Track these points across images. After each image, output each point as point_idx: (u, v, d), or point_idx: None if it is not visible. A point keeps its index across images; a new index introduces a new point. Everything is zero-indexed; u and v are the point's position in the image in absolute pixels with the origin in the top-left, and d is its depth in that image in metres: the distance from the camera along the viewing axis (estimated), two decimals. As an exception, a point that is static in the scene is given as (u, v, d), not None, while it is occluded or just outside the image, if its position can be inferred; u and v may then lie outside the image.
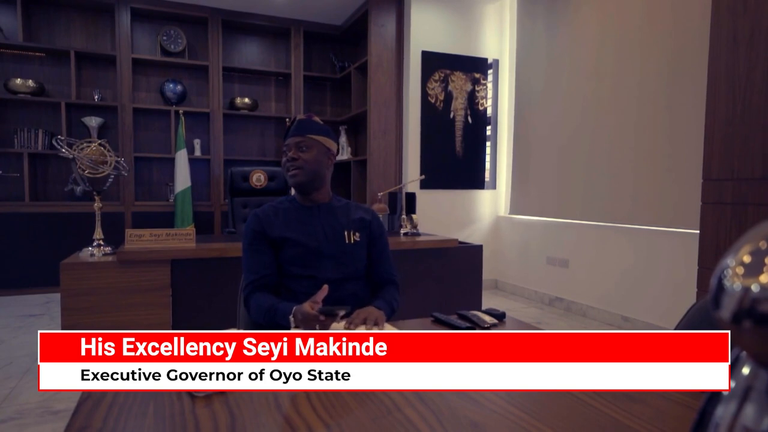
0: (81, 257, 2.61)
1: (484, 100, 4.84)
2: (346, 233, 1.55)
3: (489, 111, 4.88)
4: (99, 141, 2.74)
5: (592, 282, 3.86)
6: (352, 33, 5.37)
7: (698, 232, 2.40)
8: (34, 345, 3.05)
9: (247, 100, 5.20)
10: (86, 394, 0.85)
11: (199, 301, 2.71)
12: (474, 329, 1.30)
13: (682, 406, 0.85)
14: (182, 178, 4.65)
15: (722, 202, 2.27)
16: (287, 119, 5.33)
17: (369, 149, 4.68)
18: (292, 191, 1.63)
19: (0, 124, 4.49)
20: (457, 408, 0.82)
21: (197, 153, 5.07)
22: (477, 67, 4.77)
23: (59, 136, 2.99)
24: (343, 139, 5.41)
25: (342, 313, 1.19)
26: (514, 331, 1.31)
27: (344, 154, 5.34)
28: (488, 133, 4.90)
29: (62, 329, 2.45)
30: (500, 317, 1.40)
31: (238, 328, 1.33)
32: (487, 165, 4.91)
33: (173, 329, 2.60)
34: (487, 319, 1.37)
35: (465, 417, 0.79)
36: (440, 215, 4.64)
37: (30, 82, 4.42)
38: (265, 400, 0.84)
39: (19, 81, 4.39)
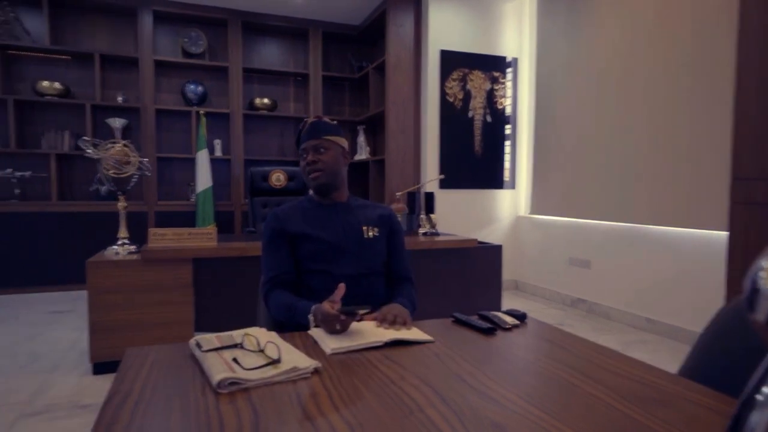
0: (106, 256, 2.67)
1: (503, 99, 4.80)
2: (364, 229, 1.56)
3: (508, 110, 4.84)
4: (123, 142, 2.80)
5: (616, 283, 3.80)
6: (370, 33, 5.38)
7: (725, 232, 2.34)
8: (63, 340, 3.13)
9: (266, 100, 5.25)
10: (114, 390, 0.87)
11: (221, 299, 2.74)
12: (495, 330, 1.29)
13: (714, 411, 0.83)
14: (203, 178, 4.72)
15: (753, 202, 2.21)
16: (305, 119, 5.36)
17: (387, 149, 4.68)
18: (310, 191, 1.65)
19: (28, 126, 4.62)
20: (478, 409, 0.82)
21: (218, 153, 5.14)
22: (496, 65, 4.74)
23: (84, 137, 3.05)
24: (361, 138, 5.42)
25: (362, 312, 1.19)
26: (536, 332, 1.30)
27: (362, 154, 5.35)
28: (508, 132, 4.85)
29: (90, 326, 2.52)
30: (521, 318, 1.39)
31: (260, 327, 1.34)
32: (507, 164, 4.87)
33: (195, 327, 2.65)
34: (508, 320, 1.36)
35: (486, 418, 0.79)
36: (459, 215, 4.61)
37: (57, 85, 4.53)
38: (287, 398, 0.85)
39: (46, 83, 4.50)
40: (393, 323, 1.25)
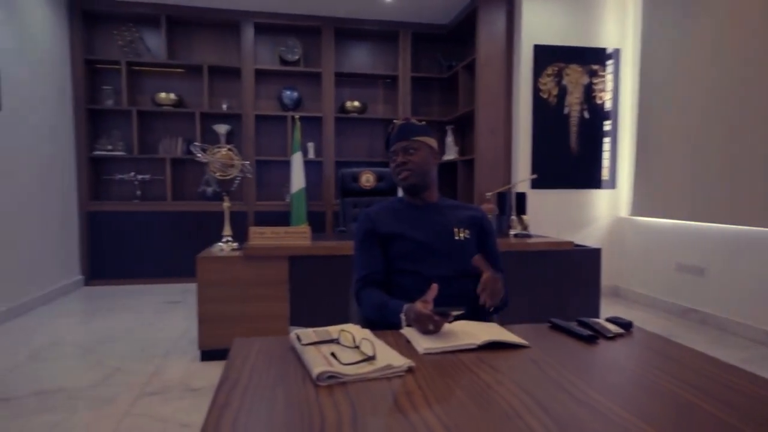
0: (213, 252, 2.89)
1: (603, 93, 4.51)
2: (455, 230, 1.55)
3: (608, 105, 4.54)
4: (228, 146, 3.01)
5: (734, 293, 3.41)
6: (459, 31, 5.32)
7: None
8: (175, 329, 3.44)
9: (356, 103, 5.38)
10: (225, 376, 0.94)
11: (314, 295, 2.86)
12: (597, 338, 1.21)
13: None
14: (297, 180, 4.94)
15: None
16: (394, 121, 5.42)
17: (476, 148, 4.59)
18: (400, 192, 1.67)
19: (149, 134, 5.14)
20: (583, 421, 0.77)
21: (311, 155, 5.36)
22: (595, 58, 4.47)
23: (195, 143, 3.33)
24: (449, 138, 5.38)
25: (456, 314, 1.18)
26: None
27: (450, 154, 5.30)
28: (607, 128, 4.56)
29: (199, 316, 2.74)
30: (626, 327, 1.29)
31: (353, 323, 1.38)
32: (606, 162, 4.57)
33: (291, 321, 2.78)
34: (612, 328, 1.27)
35: (592, 431, 0.74)
36: (553, 216, 4.42)
37: (172, 96, 4.99)
38: (383, 394, 0.86)
39: (163, 95, 4.98)
40: (485, 291, 1.31)
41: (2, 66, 3.60)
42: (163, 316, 3.77)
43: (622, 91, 4.55)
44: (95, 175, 5.01)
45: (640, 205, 4.37)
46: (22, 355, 2.88)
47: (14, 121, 3.76)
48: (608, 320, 1.33)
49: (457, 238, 1.54)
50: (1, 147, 3.60)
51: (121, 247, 4.94)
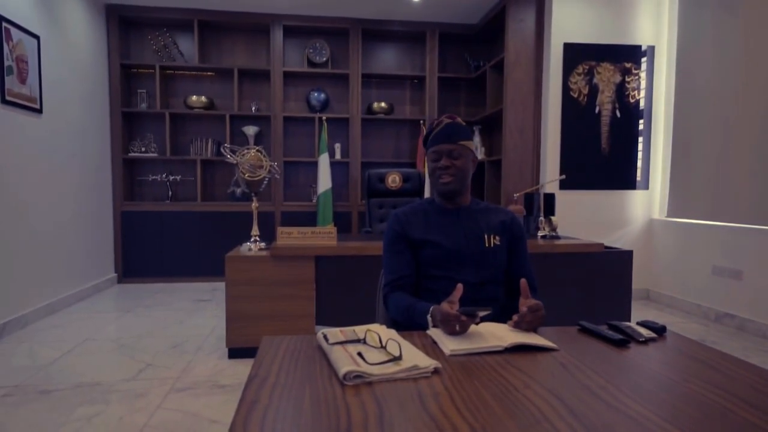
0: (241, 251, 2.93)
1: (636, 92, 4.40)
2: (486, 236, 1.53)
3: (642, 103, 4.42)
4: (256, 148, 3.06)
5: (774, 298, 3.28)
6: (488, 31, 5.27)
7: None
8: (205, 326, 3.51)
9: (383, 104, 5.39)
10: (254, 373, 0.95)
11: (340, 295, 2.87)
12: (628, 342, 1.18)
13: None
14: (324, 180, 4.99)
15: None
16: (422, 121, 5.41)
17: (504, 149, 4.54)
18: (426, 193, 1.65)
19: (181, 136, 5.26)
20: (613, 426, 0.76)
21: (337, 156, 5.40)
22: (628, 55, 4.36)
23: (225, 144, 3.39)
24: (477, 139, 5.34)
25: (483, 314, 1.17)
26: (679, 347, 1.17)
27: (478, 155, 5.26)
28: (640, 127, 4.44)
29: (227, 314, 2.79)
30: (659, 331, 1.26)
31: (379, 323, 1.38)
32: (639, 163, 4.45)
33: (317, 321, 2.81)
34: (644, 332, 1.24)
35: (624, 437, 0.72)
36: (583, 218, 4.33)
37: (203, 98, 5.10)
38: (410, 395, 0.86)
39: (194, 98, 5.09)
40: (525, 322, 1.23)
41: (44, 71, 3.75)
42: (192, 314, 3.85)
43: (657, 90, 4.43)
44: (129, 176, 5.16)
45: (675, 207, 4.24)
46: (61, 349, 2.99)
47: (54, 123, 3.91)
48: (640, 324, 1.30)
49: (487, 245, 1.52)
50: (41, 149, 3.74)
51: (153, 246, 5.07)
